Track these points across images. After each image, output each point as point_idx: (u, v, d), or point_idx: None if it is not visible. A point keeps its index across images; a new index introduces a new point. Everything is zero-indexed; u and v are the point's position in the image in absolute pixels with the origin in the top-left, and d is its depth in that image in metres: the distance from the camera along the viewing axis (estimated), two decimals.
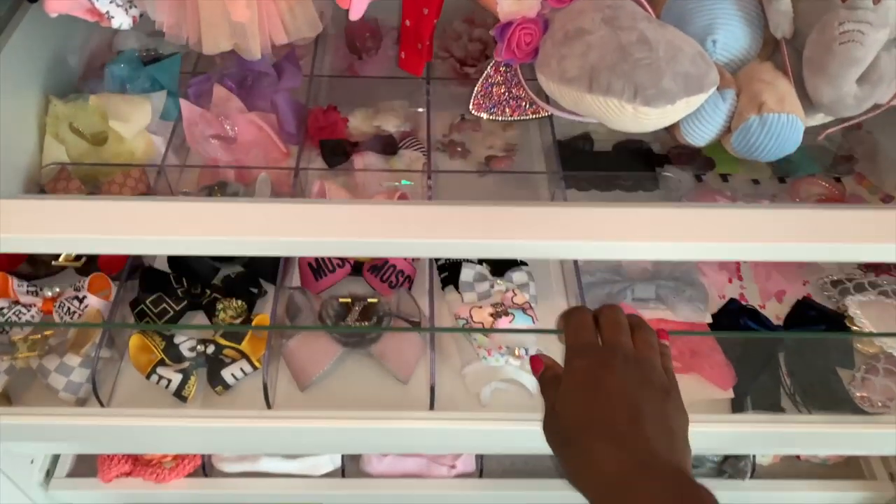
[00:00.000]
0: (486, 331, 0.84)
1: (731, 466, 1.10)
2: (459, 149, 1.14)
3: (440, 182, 1.06)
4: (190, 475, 1.11)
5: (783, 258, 0.81)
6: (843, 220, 0.70)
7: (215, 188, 0.99)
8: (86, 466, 1.14)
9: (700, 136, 0.75)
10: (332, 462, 1.15)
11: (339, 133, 1.12)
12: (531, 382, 0.84)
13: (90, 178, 1.03)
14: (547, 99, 0.85)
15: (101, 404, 0.82)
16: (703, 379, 0.86)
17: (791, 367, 0.88)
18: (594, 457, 0.50)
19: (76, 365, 0.81)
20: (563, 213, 0.71)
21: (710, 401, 0.85)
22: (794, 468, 1.17)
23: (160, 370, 0.82)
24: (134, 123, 1.03)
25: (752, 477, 1.09)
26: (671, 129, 0.76)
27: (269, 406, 0.82)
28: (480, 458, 1.15)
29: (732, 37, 0.77)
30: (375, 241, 0.66)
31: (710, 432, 0.83)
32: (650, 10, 0.76)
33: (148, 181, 1.01)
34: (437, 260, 0.97)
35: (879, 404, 0.85)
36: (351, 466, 1.16)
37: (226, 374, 0.83)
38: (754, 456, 1.09)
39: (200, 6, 0.87)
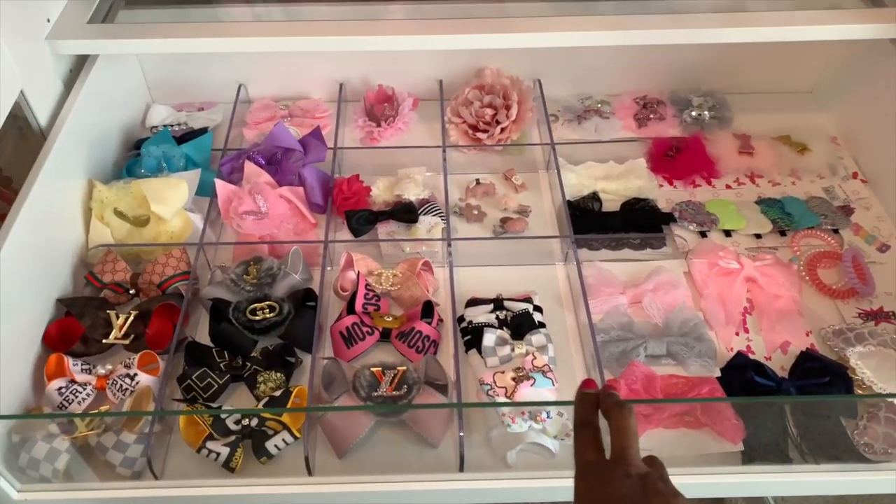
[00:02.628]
0: (509, 404, 0.90)
1: None
2: (476, 212, 1.21)
3: (459, 245, 1.13)
4: None
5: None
6: None
7: (251, 263, 1.06)
8: None
9: None
10: None
11: (363, 202, 1.19)
12: (553, 444, 0.90)
13: (134, 257, 1.11)
14: None
15: (155, 477, 0.89)
16: (715, 433, 0.91)
17: (797, 418, 0.93)
18: None
19: (131, 442, 0.88)
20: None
21: (723, 454, 0.91)
22: None
23: (209, 444, 0.88)
24: (172, 205, 1.11)
25: None
26: None
27: (310, 473, 0.88)
28: None
29: None
30: None
31: (723, 483, 0.89)
32: None
33: (188, 258, 1.08)
34: (459, 322, 1.04)
35: (881, 451, 0.90)
36: None
37: (269, 445, 0.89)
38: None
39: None
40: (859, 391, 0.95)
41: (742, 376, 0.96)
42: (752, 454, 0.91)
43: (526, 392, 0.94)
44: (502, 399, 0.93)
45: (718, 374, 0.98)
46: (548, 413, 0.90)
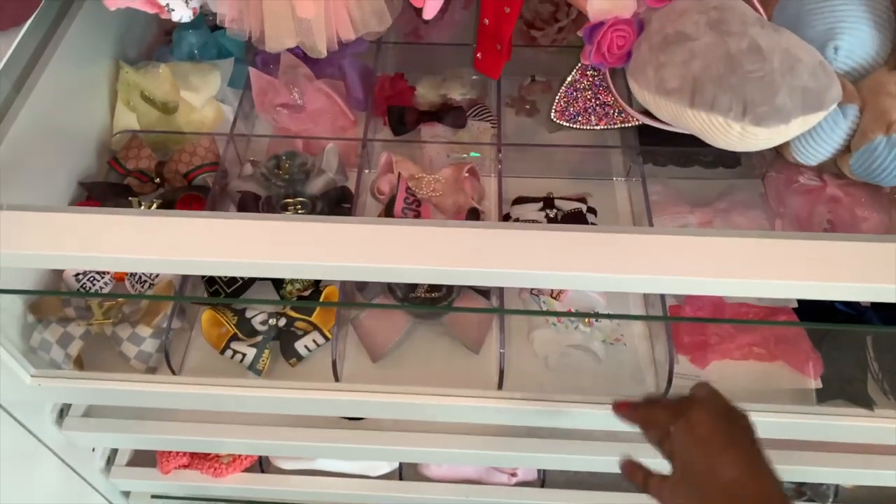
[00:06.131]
0: (552, 314, 0.83)
1: (812, 490, 1.05)
2: (528, 106, 1.11)
3: (508, 153, 1.03)
4: (246, 470, 1.10)
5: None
6: None
7: (284, 157, 0.98)
8: (144, 458, 1.13)
9: (814, 155, 0.68)
10: (390, 464, 1.14)
11: (407, 101, 1.10)
12: (600, 349, 0.82)
13: (160, 146, 1.03)
14: (632, 103, 0.79)
15: (173, 372, 0.83)
16: (789, 367, 0.82)
17: (880, 355, 0.84)
18: None
19: (147, 336, 0.82)
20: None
21: (796, 390, 0.82)
22: (881, 494, 1.09)
23: (234, 345, 0.82)
24: (204, 92, 1.03)
25: (834, 501, 1.05)
26: (780, 147, 0.70)
27: (337, 379, 0.82)
28: (543, 471, 1.13)
29: (858, 41, 0.68)
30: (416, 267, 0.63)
31: (796, 423, 0.80)
32: (762, 10, 0.68)
33: (217, 149, 1.01)
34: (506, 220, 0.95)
35: None
36: (409, 470, 1.14)
37: (299, 346, 0.83)
38: None
39: (264, 2, 0.83)
40: None
41: (821, 306, 0.86)
42: (829, 392, 0.81)
43: (573, 295, 0.85)
44: (547, 299, 0.85)
45: (795, 303, 0.88)
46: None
